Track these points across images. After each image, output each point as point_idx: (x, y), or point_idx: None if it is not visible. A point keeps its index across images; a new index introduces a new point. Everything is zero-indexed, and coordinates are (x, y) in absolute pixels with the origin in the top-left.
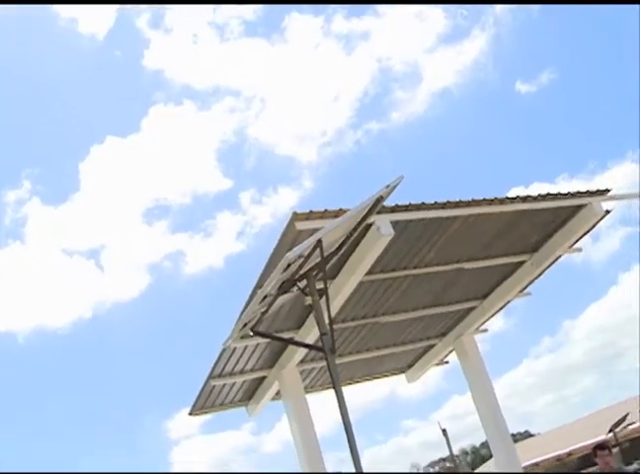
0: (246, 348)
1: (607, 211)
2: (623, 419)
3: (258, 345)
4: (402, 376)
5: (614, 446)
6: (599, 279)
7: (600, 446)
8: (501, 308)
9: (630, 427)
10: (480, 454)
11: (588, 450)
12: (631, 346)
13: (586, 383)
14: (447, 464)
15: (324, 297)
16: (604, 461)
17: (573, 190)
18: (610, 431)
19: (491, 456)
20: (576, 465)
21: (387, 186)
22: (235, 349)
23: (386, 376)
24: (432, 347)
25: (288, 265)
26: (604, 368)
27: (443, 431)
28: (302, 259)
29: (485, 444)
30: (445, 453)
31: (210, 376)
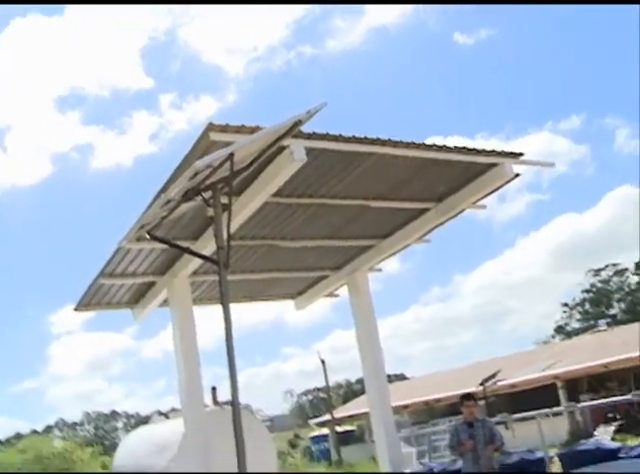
0: (141, 251)
1: (517, 175)
2: (494, 375)
3: (153, 249)
4: (291, 302)
5: (482, 399)
6: (497, 239)
7: (467, 396)
8: (398, 251)
9: (499, 383)
10: (352, 389)
11: (456, 399)
12: (517, 308)
13: (467, 337)
14: (321, 395)
15: (226, 212)
16: (469, 411)
17: (488, 148)
18: (481, 384)
19: (363, 393)
20: (442, 411)
21: (308, 111)
22: (130, 250)
23: (276, 300)
24: (324, 278)
25: (196, 173)
26: (487, 325)
27: (322, 361)
28: (211, 170)
29: (360, 381)
30: (321, 384)
31: (101, 274)
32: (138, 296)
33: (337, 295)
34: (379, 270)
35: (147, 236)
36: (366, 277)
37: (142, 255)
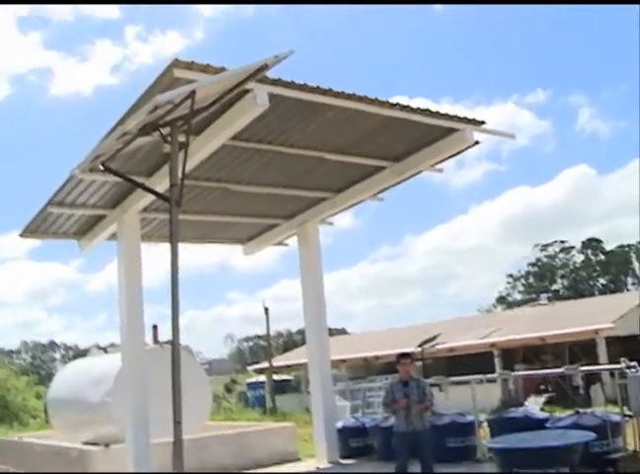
0: (93, 182)
1: (477, 142)
2: (433, 338)
3: (106, 182)
4: (240, 248)
5: (419, 360)
6: (450, 205)
7: (404, 355)
8: (351, 206)
9: (438, 346)
10: (293, 340)
11: (394, 358)
12: (463, 274)
13: (411, 298)
14: (262, 342)
15: (183, 151)
16: (405, 369)
17: (451, 113)
18: (420, 345)
19: (304, 343)
20: (380, 369)
21: (275, 56)
22: (82, 180)
23: (225, 243)
24: (275, 226)
25: (156, 108)
26: (432, 288)
27: (266, 309)
28: (171, 106)
29: (301, 332)
30: (262, 331)
31: (50, 202)
32: (86, 228)
33: (286, 244)
34: (331, 223)
35: (101, 167)
36: (317, 230)
37: (94, 186)
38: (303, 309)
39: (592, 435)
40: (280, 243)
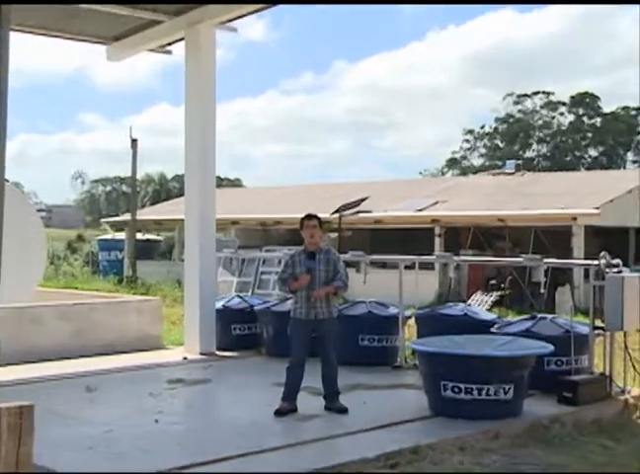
0: None
1: None
2: (357, 203)
3: None
4: (102, 50)
5: (335, 231)
6: (404, 26)
7: (310, 216)
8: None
9: (361, 214)
10: (167, 188)
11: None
12: (405, 122)
13: (333, 147)
14: (124, 188)
15: None
16: (310, 234)
17: None
18: (337, 211)
19: (181, 194)
20: (282, 237)
21: None
22: None
23: (80, 40)
24: (156, 23)
25: None
26: (363, 138)
27: (133, 141)
28: None
29: (179, 179)
30: (126, 172)
31: None
32: None
33: (169, 52)
34: (234, 29)
35: None
36: (214, 36)
37: None
38: (185, 147)
39: (548, 348)
40: (160, 49)
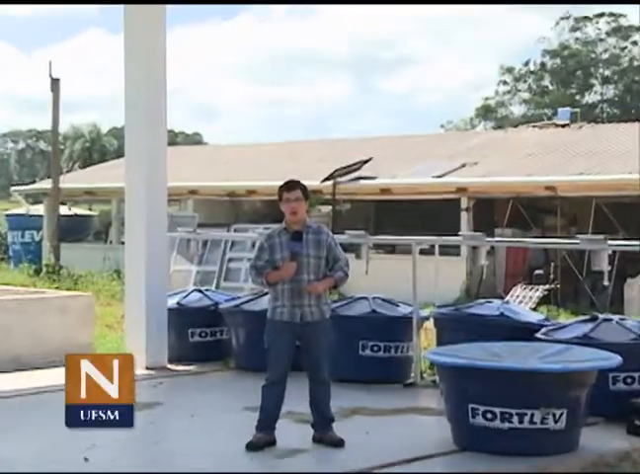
0: None
1: None
2: (359, 165)
3: None
4: None
5: (327, 203)
6: None
7: (290, 185)
8: None
9: (362, 181)
10: (102, 146)
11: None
12: (422, 58)
13: (330, 90)
14: (43, 145)
15: None
16: (291, 208)
17: None
18: (330, 177)
19: (120, 155)
20: (257, 212)
21: None
22: None
23: None
24: None
25: None
26: (368, 78)
27: (55, 81)
28: None
29: (116, 133)
30: (45, 125)
31: None
32: None
33: None
34: None
35: None
36: None
37: None
38: (124, 90)
39: (615, 360)
40: None
